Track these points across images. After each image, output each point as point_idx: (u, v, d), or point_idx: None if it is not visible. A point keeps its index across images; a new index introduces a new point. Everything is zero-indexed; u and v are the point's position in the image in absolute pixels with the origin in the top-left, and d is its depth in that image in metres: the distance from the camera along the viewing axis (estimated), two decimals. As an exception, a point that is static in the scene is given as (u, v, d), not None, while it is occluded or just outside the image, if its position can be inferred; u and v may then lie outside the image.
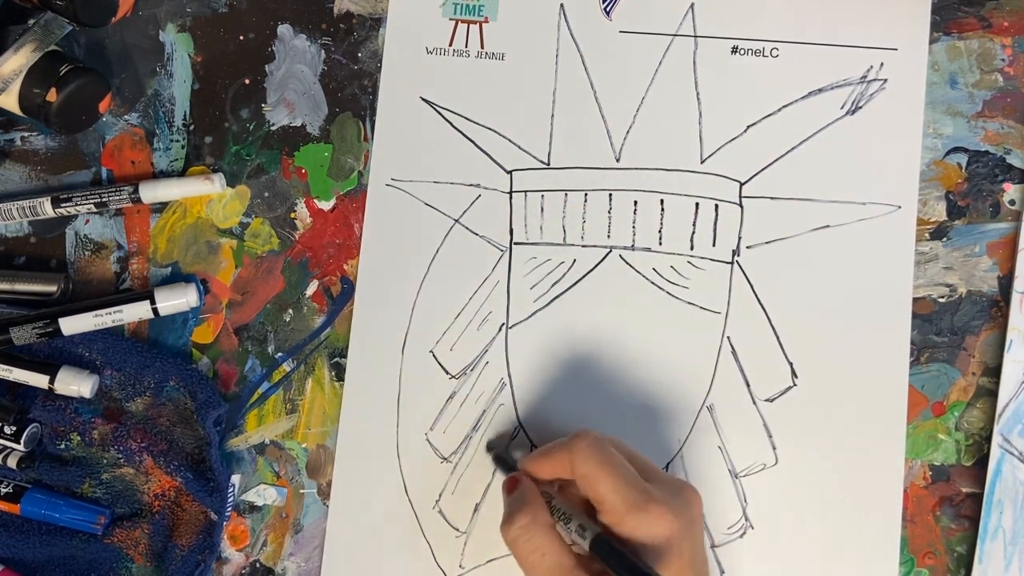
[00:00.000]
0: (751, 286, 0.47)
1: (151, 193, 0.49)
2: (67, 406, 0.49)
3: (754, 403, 0.46)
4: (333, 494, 0.48)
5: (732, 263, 0.47)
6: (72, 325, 0.48)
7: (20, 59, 0.46)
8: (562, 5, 0.49)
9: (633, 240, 0.48)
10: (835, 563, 0.45)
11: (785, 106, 0.47)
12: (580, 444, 0.39)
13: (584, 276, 0.48)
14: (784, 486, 0.46)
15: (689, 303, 0.47)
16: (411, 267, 0.49)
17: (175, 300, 0.48)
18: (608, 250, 0.48)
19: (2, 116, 0.51)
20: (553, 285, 0.48)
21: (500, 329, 0.48)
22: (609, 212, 0.48)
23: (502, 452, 0.46)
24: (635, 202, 0.48)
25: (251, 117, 0.50)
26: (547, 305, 0.48)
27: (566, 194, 0.48)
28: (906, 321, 0.46)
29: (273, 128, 0.50)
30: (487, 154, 0.49)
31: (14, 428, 0.48)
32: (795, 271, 0.47)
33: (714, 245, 0.47)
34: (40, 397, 0.49)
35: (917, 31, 0.47)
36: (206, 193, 0.50)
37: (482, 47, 0.49)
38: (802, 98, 0.47)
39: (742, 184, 0.47)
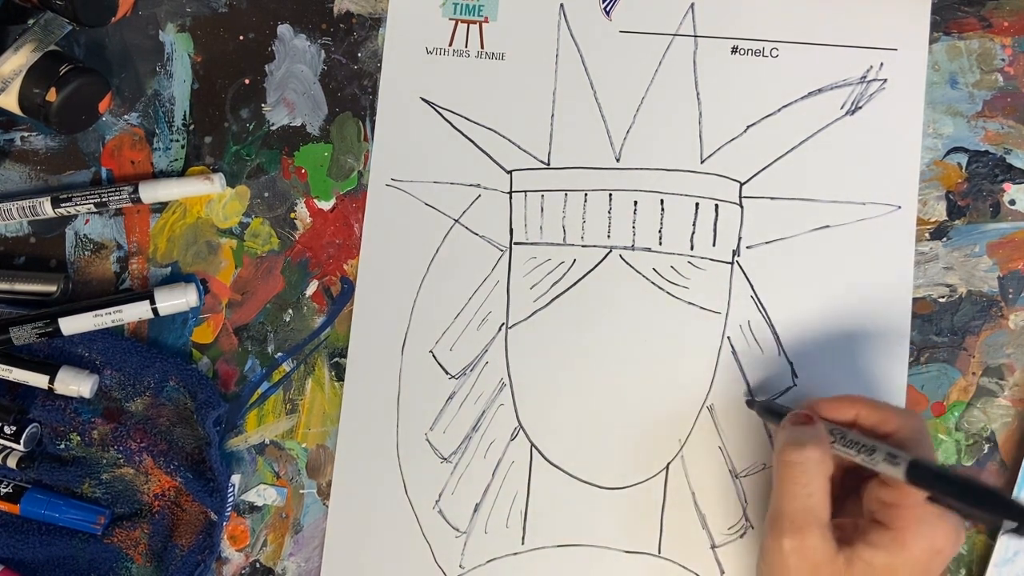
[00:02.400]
0: (751, 286, 0.47)
1: (151, 193, 0.49)
2: (67, 406, 0.49)
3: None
4: (333, 494, 0.48)
5: (732, 263, 0.47)
6: (72, 325, 0.48)
7: (20, 59, 0.46)
8: (562, 5, 0.49)
9: (633, 240, 0.48)
10: (835, 563, 0.45)
11: (785, 106, 0.47)
12: (918, 423, 0.39)
13: (584, 276, 0.48)
14: (784, 486, 0.46)
15: (689, 303, 0.47)
16: (411, 267, 0.49)
17: (175, 300, 0.48)
18: (608, 250, 0.48)
19: (2, 116, 0.51)
20: (553, 285, 0.48)
21: (500, 329, 0.48)
22: (609, 212, 0.48)
23: (767, 402, 0.45)
24: (635, 202, 0.48)
25: (251, 117, 0.50)
26: (547, 305, 0.48)
27: (566, 194, 0.48)
28: (906, 321, 0.46)
29: (273, 128, 0.50)
30: (487, 154, 0.49)
31: (14, 428, 0.48)
32: (795, 271, 0.47)
33: (714, 245, 0.47)
34: (40, 397, 0.49)
35: (917, 31, 0.47)
36: (206, 193, 0.50)
37: (482, 47, 0.49)
38: (802, 98, 0.47)
39: (742, 184, 0.47)
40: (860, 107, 0.47)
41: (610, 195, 0.48)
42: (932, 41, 0.47)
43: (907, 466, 0.36)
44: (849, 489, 0.41)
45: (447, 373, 0.48)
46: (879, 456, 0.38)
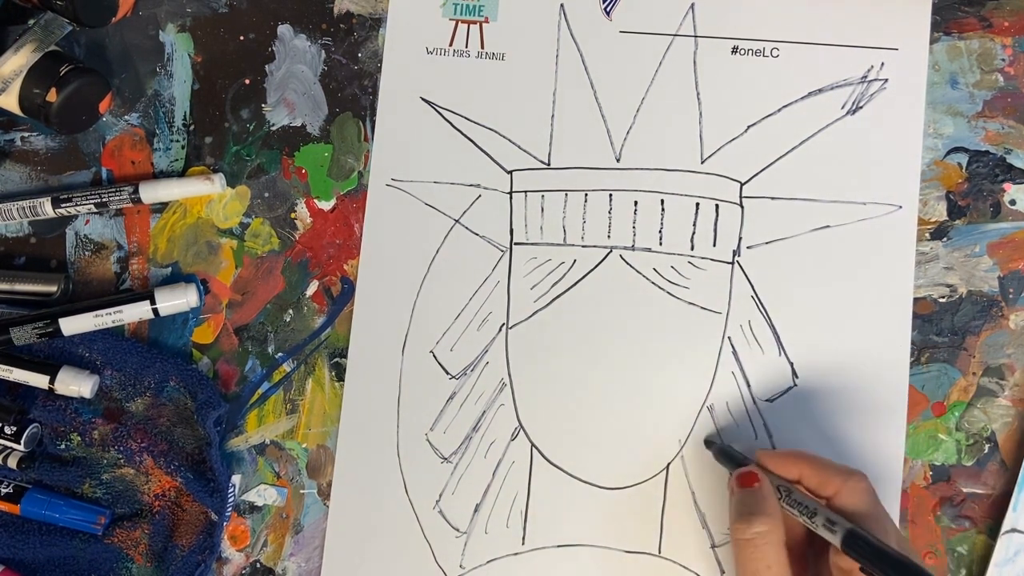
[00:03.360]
0: (751, 286, 0.47)
1: (151, 193, 0.49)
2: (67, 406, 0.49)
3: (754, 403, 0.46)
4: (333, 494, 0.48)
5: (732, 263, 0.47)
6: (72, 325, 0.48)
7: (20, 59, 0.46)
8: (562, 5, 0.49)
9: (633, 240, 0.48)
10: (835, 563, 0.45)
11: (785, 106, 0.47)
12: (860, 484, 0.39)
13: (584, 276, 0.48)
14: (784, 486, 0.46)
15: (689, 303, 0.47)
16: (411, 267, 0.49)
17: (175, 300, 0.48)
18: (608, 250, 0.48)
19: (2, 116, 0.51)
20: (553, 285, 0.48)
21: (500, 329, 0.48)
22: (609, 212, 0.48)
23: (724, 447, 0.45)
24: (635, 202, 0.48)
25: (251, 117, 0.50)
26: (547, 305, 0.48)
27: (566, 194, 0.48)
28: (906, 321, 0.46)
29: (273, 128, 0.50)
30: (487, 154, 0.49)
31: (14, 428, 0.48)
32: (795, 271, 0.47)
33: (714, 245, 0.47)
34: (40, 397, 0.49)
35: (917, 31, 0.47)
36: (206, 193, 0.50)
37: (482, 47, 0.49)
38: (802, 98, 0.47)
39: (742, 184, 0.47)
40: (861, 107, 0.47)
41: (610, 195, 0.48)
42: (932, 41, 0.47)
43: (843, 535, 0.37)
44: (820, 549, 0.41)
45: (447, 373, 0.48)
46: (819, 520, 0.38)
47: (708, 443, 0.46)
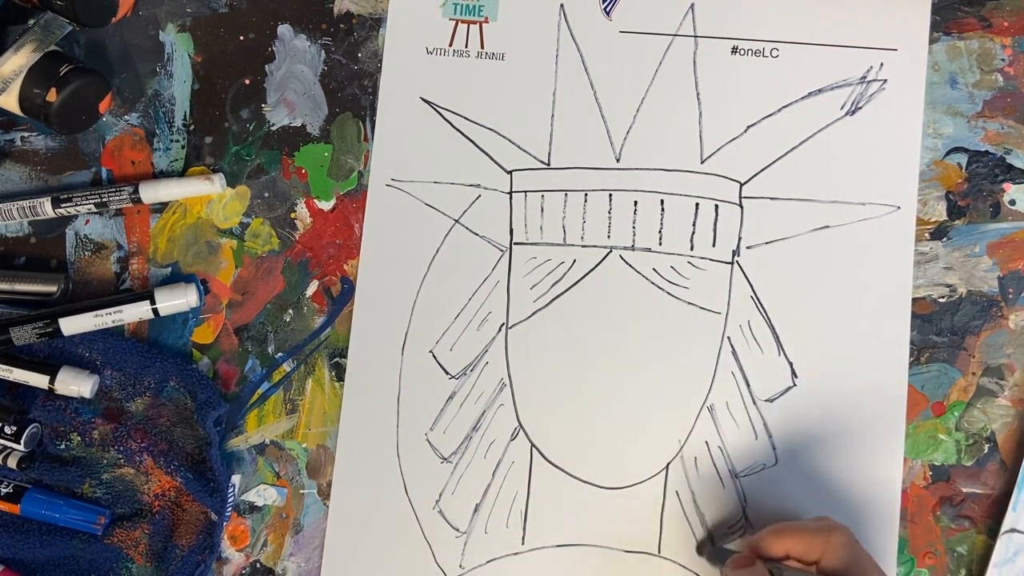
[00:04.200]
0: (751, 286, 0.47)
1: (151, 193, 0.49)
2: (67, 406, 0.49)
3: (754, 403, 0.46)
4: (333, 494, 0.48)
5: (732, 263, 0.47)
6: (72, 325, 0.48)
7: (20, 59, 0.46)
8: (562, 5, 0.49)
9: (633, 240, 0.48)
10: (835, 563, 0.45)
11: (785, 106, 0.48)
12: (841, 538, 0.39)
13: (584, 276, 0.48)
14: (784, 486, 0.46)
15: (689, 303, 0.47)
16: (411, 267, 0.49)
17: (175, 300, 0.48)
18: (608, 250, 0.48)
19: (2, 116, 0.51)
20: (553, 285, 0.48)
21: (500, 329, 0.48)
22: (609, 212, 0.48)
23: (717, 548, 0.45)
24: (635, 202, 0.48)
25: (251, 117, 0.50)
26: (547, 305, 0.48)
27: (566, 194, 0.48)
28: (906, 321, 0.46)
29: (273, 128, 0.50)
30: (487, 154, 0.49)
31: (14, 428, 0.48)
32: (795, 271, 0.47)
33: (714, 245, 0.47)
34: (40, 397, 0.49)
35: (917, 31, 0.47)
36: (206, 193, 0.50)
37: (482, 47, 0.49)
38: (802, 98, 0.47)
39: (742, 184, 0.47)
40: (860, 107, 0.47)
41: (610, 195, 0.48)
42: (932, 41, 0.47)
43: None
44: None
45: (447, 373, 0.48)
46: None
47: (700, 548, 0.46)
